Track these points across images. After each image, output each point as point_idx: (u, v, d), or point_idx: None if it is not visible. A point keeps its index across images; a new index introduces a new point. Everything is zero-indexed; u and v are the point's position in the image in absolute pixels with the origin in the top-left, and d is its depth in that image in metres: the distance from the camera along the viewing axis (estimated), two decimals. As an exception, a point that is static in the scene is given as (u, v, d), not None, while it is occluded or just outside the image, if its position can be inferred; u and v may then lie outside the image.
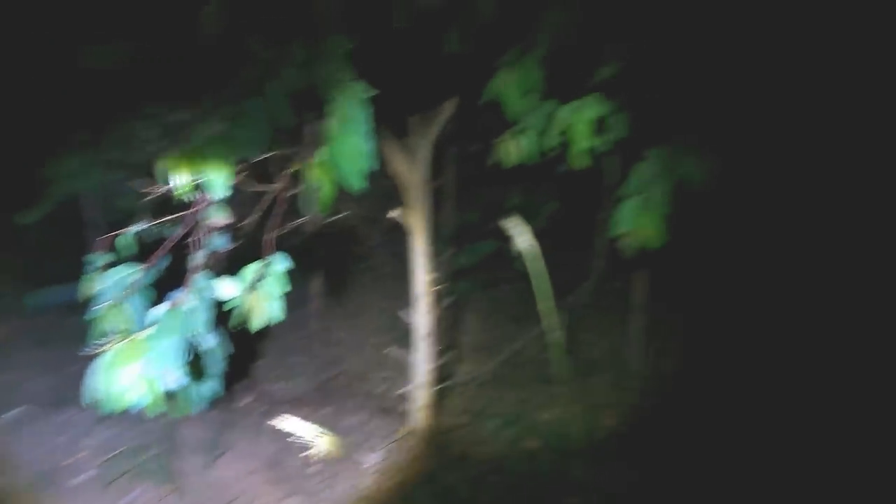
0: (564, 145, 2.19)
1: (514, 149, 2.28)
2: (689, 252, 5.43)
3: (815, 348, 4.08)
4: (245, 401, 4.52)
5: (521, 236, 1.38)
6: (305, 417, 4.30)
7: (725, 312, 5.35)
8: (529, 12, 1.84)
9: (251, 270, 1.61)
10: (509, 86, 2.14)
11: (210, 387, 1.67)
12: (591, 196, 5.41)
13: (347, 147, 1.28)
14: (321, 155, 1.31)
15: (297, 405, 4.51)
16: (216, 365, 1.63)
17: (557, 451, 3.69)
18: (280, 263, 1.65)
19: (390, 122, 3.29)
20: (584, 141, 2.08)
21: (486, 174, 5.70)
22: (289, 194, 1.69)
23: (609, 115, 2.12)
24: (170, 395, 1.52)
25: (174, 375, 1.35)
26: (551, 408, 4.38)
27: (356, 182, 1.29)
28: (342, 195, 1.38)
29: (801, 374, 4.00)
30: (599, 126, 2.14)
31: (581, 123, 2.06)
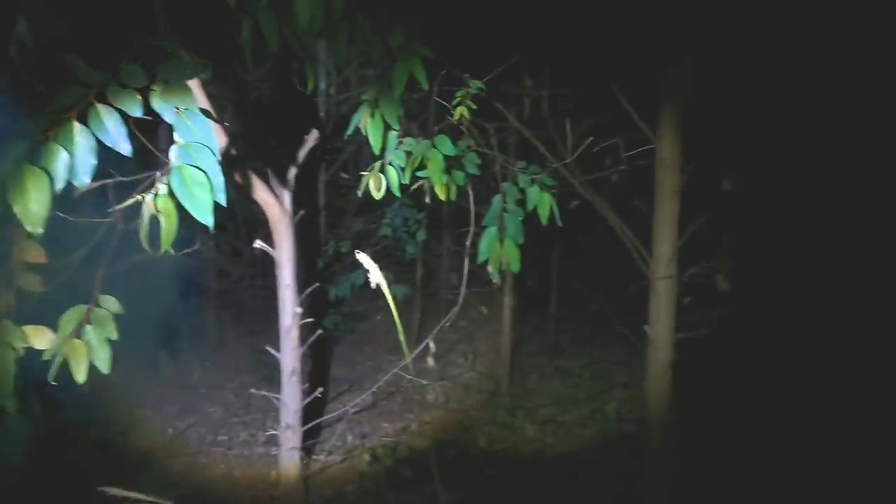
0: (426, 179, 2.31)
1: (377, 182, 2.34)
2: (549, 276, 5.98)
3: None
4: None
5: (373, 270, 1.41)
6: (153, 476, 3.78)
7: (588, 329, 5.94)
8: (385, 58, 1.95)
9: (72, 315, 1.41)
10: (370, 122, 2.21)
11: (12, 457, 1.40)
12: (459, 226, 5.71)
13: (194, 177, 1.21)
14: (164, 185, 1.23)
15: (142, 464, 3.96)
16: (19, 431, 1.38)
17: (432, 478, 3.73)
18: (108, 306, 1.47)
19: (253, 151, 3.17)
20: (439, 177, 2.22)
21: (357, 204, 5.72)
22: (126, 227, 1.53)
23: (461, 154, 2.30)
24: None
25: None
26: (426, 435, 4.42)
27: (203, 216, 1.22)
28: (200, 225, 1.29)
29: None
30: (455, 163, 2.31)
31: (435, 161, 2.20)
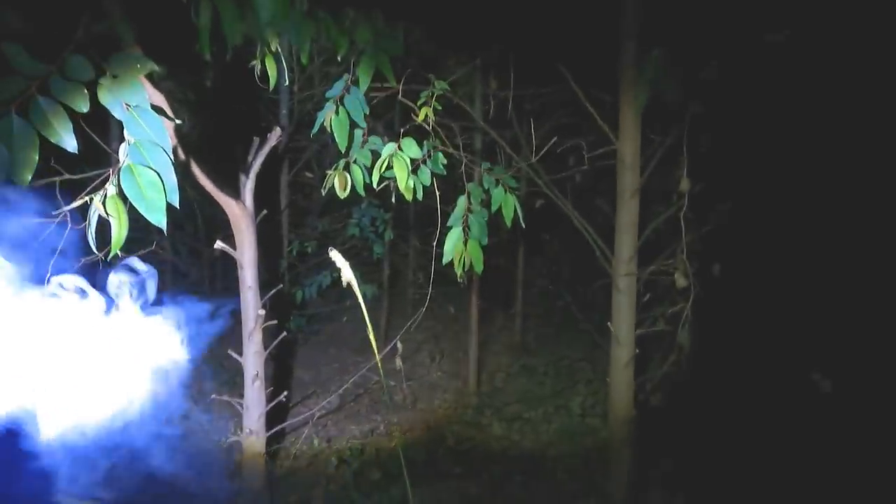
0: (392, 179, 2.30)
1: (342, 181, 2.31)
2: (515, 275, 6.03)
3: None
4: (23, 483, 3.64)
5: (345, 268, 1.40)
6: (110, 488, 3.63)
7: (555, 329, 6.02)
8: (350, 54, 1.92)
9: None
10: (336, 120, 2.18)
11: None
12: (426, 225, 5.70)
13: (146, 178, 1.16)
14: (114, 185, 1.17)
15: (98, 475, 3.78)
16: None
17: (400, 479, 3.71)
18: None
19: (212, 150, 3.07)
20: (404, 177, 2.21)
21: (321, 203, 5.63)
22: (76, 228, 1.46)
23: (426, 155, 2.29)
24: None
25: None
26: (393, 436, 4.40)
27: (155, 218, 1.17)
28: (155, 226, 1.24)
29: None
30: (421, 163, 2.30)
31: (401, 164, 2.19)
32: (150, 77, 1.94)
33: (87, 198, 1.18)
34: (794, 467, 3.43)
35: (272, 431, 3.34)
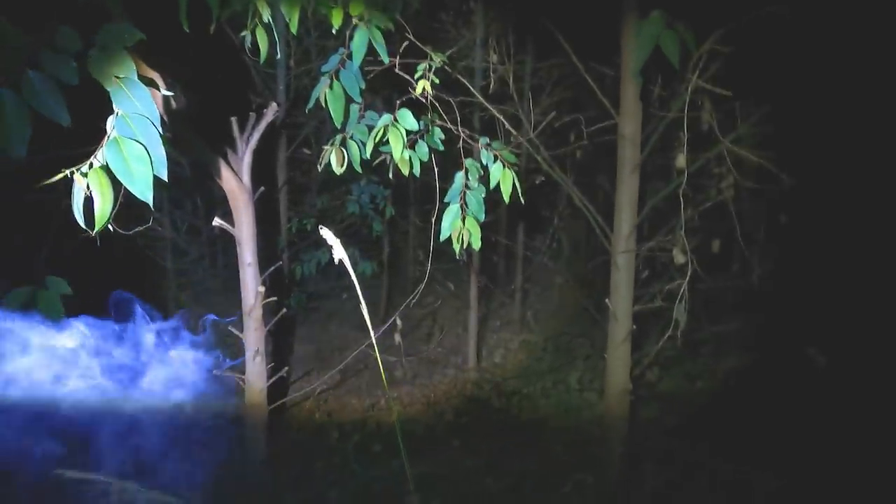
0: (390, 154, 2.27)
1: (339, 157, 2.29)
2: (515, 251, 6.04)
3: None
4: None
5: (335, 245, 1.40)
6: (105, 461, 3.71)
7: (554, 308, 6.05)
8: (346, 28, 1.88)
9: (16, 297, 1.34)
10: (331, 94, 2.14)
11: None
12: (426, 202, 5.67)
13: (132, 151, 1.15)
14: (99, 159, 1.16)
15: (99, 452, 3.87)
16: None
17: (399, 451, 3.78)
18: (55, 287, 1.41)
19: (209, 126, 3.04)
20: (400, 152, 2.18)
21: (320, 180, 5.60)
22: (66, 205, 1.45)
23: (425, 130, 2.26)
24: None
25: None
26: (394, 410, 4.47)
27: (141, 192, 1.16)
28: (158, 203, 1.23)
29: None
30: (418, 137, 2.27)
31: (396, 136, 2.16)
32: (143, 51, 1.91)
33: (67, 172, 1.17)
34: (789, 440, 3.48)
35: (273, 406, 3.39)
